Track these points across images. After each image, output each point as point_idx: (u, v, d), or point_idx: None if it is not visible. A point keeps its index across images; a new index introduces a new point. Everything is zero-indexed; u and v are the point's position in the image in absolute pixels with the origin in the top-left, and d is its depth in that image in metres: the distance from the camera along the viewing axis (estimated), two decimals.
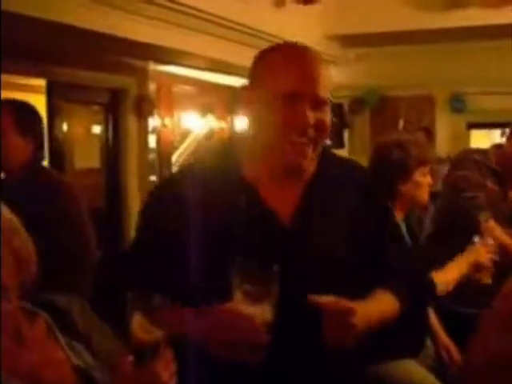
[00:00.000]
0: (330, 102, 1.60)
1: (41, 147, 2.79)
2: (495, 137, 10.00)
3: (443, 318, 2.83)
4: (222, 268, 1.44)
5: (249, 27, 4.97)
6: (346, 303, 1.49)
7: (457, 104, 8.52)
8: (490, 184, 3.13)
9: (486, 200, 3.08)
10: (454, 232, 2.78)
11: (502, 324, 1.30)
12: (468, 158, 3.19)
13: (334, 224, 1.65)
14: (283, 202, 1.62)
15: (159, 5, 4.12)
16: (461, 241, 2.87)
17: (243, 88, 1.67)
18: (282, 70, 1.55)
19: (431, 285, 1.98)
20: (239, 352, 1.42)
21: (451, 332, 2.82)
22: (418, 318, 1.89)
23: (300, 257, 1.59)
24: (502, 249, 3.05)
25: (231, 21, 4.78)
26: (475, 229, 3.04)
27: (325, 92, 1.56)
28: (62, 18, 3.59)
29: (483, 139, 9.87)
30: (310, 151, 1.58)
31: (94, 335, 1.44)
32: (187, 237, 1.56)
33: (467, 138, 8.99)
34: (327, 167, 1.69)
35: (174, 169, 7.59)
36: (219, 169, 1.65)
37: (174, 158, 7.77)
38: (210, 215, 1.57)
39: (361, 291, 1.61)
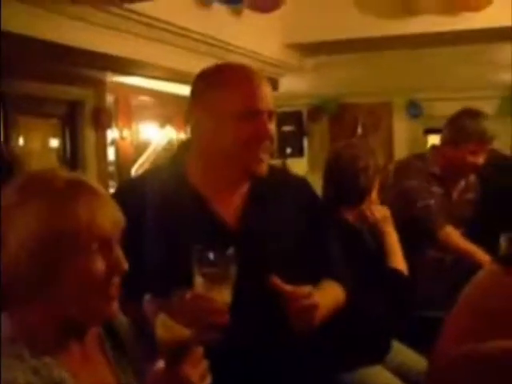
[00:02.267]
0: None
1: None
2: None
3: (412, 323, 2.83)
4: (176, 259, 1.60)
5: (208, 36, 4.94)
6: (305, 288, 1.64)
7: (414, 110, 8.64)
8: (435, 189, 3.16)
9: (436, 205, 3.11)
10: (409, 240, 2.79)
11: (467, 327, 1.31)
12: (411, 167, 3.20)
13: (275, 223, 1.79)
14: (231, 205, 1.77)
15: (117, 14, 4.06)
16: (416, 248, 2.89)
17: (191, 102, 1.80)
18: (238, 90, 1.71)
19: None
20: (200, 333, 1.45)
21: (419, 337, 2.82)
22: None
23: (247, 256, 1.64)
24: (462, 253, 3.08)
25: (190, 30, 4.75)
26: (432, 237, 3.06)
27: (272, 105, 1.75)
28: (15, 28, 3.50)
29: None
30: (267, 158, 1.77)
31: (136, 353, 1.37)
32: (140, 236, 1.69)
33: (424, 143, 9.12)
34: (268, 172, 1.82)
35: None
36: (167, 175, 1.80)
37: (133, 169, 7.68)
38: (159, 217, 1.72)
39: (307, 283, 1.72)
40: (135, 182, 1.91)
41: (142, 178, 1.94)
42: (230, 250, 1.54)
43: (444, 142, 3.19)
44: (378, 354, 2.63)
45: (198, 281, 1.52)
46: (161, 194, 1.76)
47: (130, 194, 1.79)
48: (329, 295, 1.80)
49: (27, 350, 1.14)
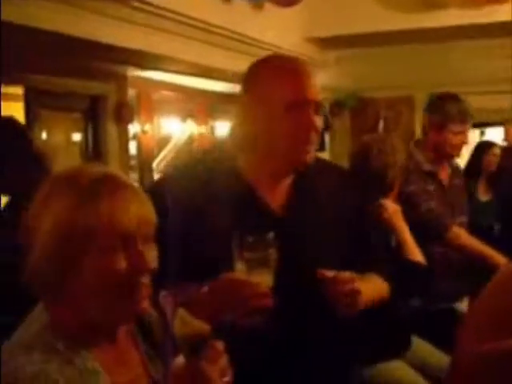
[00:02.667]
0: None
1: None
2: (474, 136, 10.10)
3: (415, 316, 2.84)
4: (223, 247, 1.57)
5: (229, 30, 4.94)
6: (346, 273, 1.67)
7: None
8: (430, 187, 3.17)
9: (438, 205, 3.12)
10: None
11: (487, 324, 1.29)
12: (409, 169, 3.20)
13: (318, 212, 1.83)
14: (276, 194, 1.81)
15: (139, 9, 4.08)
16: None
17: (242, 95, 1.81)
18: (288, 80, 1.73)
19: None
20: (244, 317, 1.52)
21: (425, 329, 2.83)
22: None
23: (292, 241, 1.72)
24: (476, 255, 3.07)
25: (211, 24, 4.75)
26: (441, 240, 3.07)
27: (319, 96, 1.76)
28: (39, 23, 3.53)
29: None
30: (312, 150, 1.77)
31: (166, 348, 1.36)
32: (190, 225, 1.70)
33: None
34: (313, 163, 1.83)
35: (156, 175, 7.54)
36: (218, 165, 1.82)
37: (154, 163, 7.72)
38: (210, 205, 1.72)
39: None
40: (185, 174, 1.86)
41: (192, 169, 1.89)
42: (270, 234, 1.54)
43: (428, 128, 3.21)
44: (398, 349, 2.63)
45: (239, 265, 1.53)
46: (212, 185, 1.77)
47: (180, 185, 1.79)
48: (372, 285, 1.83)
49: (62, 343, 1.16)
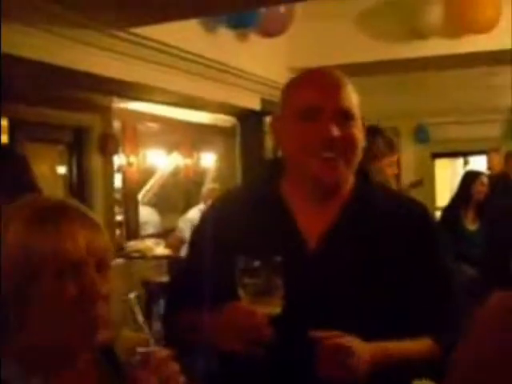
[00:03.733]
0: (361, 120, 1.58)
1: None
2: (458, 165, 10.19)
3: None
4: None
5: (213, 60, 4.96)
6: (347, 341, 1.42)
7: (421, 135, 8.65)
8: None
9: None
10: None
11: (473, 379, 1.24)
12: None
13: (363, 253, 1.56)
14: (314, 223, 1.59)
15: (124, 39, 4.08)
16: None
17: (273, 117, 1.70)
18: (301, 89, 1.58)
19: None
20: (244, 347, 1.42)
21: None
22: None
23: (319, 281, 1.54)
24: None
25: (196, 54, 4.77)
26: None
27: (349, 105, 1.54)
28: (23, 52, 3.52)
29: (447, 168, 10.03)
30: (340, 166, 1.54)
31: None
32: (225, 251, 1.55)
33: (432, 167, 9.11)
34: (367, 190, 1.64)
35: (141, 207, 7.50)
36: (259, 189, 1.69)
37: (139, 196, 7.68)
38: (247, 232, 1.58)
39: (390, 327, 1.52)
40: (230, 197, 1.80)
41: (237, 192, 1.85)
42: (276, 259, 1.42)
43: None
44: None
45: (241, 292, 1.43)
46: (252, 208, 1.63)
47: (222, 209, 1.71)
48: (387, 352, 1.51)
49: (14, 372, 1.14)
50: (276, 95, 5.46)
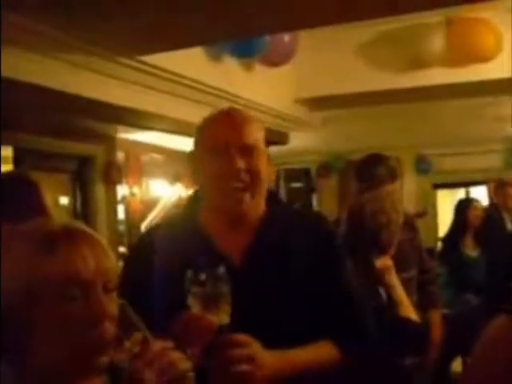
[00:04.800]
0: (262, 150, 1.77)
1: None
2: (460, 195, 10.21)
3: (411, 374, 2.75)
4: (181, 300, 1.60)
5: (219, 89, 4.99)
6: (243, 336, 1.57)
7: (422, 165, 8.68)
8: None
9: None
10: None
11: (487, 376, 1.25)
12: None
13: (281, 266, 1.75)
14: (234, 246, 1.77)
15: (129, 66, 4.11)
16: None
17: (188, 153, 1.87)
18: (210, 127, 1.77)
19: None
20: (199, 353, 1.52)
21: None
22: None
23: (248, 296, 1.67)
24: None
25: (201, 83, 4.80)
26: None
27: (253, 140, 1.75)
28: (27, 77, 3.54)
29: (448, 198, 10.05)
30: (247, 197, 1.74)
31: None
32: (152, 277, 1.76)
33: (434, 198, 9.12)
34: (275, 212, 1.83)
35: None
36: (182, 219, 1.88)
37: (142, 226, 7.66)
38: (171, 260, 1.74)
39: (306, 333, 1.70)
40: (154, 230, 1.95)
41: (161, 224, 2.01)
42: (221, 270, 1.55)
43: (358, 190, 3.21)
44: None
45: (191, 301, 1.55)
46: (174, 238, 1.80)
47: (148, 241, 1.86)
48: (283, 354, 1.66)
49: None
50: (281, 125, 5.52)
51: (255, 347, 1.57)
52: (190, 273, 1.56)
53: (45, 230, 1.19)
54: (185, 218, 1.88)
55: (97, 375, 1.22)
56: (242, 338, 1.57)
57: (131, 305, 1.72)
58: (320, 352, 1.74)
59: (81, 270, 1.16)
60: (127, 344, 1.20)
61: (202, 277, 1.54)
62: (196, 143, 1.82)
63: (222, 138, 1.73)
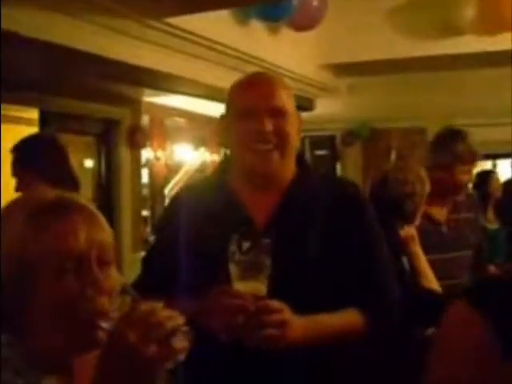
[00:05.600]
0: (294, 112, 1.82)
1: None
2: (486, 167, 10.09)
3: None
4: (209, 258, 1.69)
5: (244, 53, 4.95)
6: (275, 302, 1.60)
7: None
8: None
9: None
10: None
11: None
12: None
13: (308, 232, 1.77)
14: (261, 208, 1.81)
15: (156, 29, 4.09)
16: None
17: (219, 117, 1.91)
18: (239, 92, 1.82)
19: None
20: (227, 331, 1.57)
21: None
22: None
23: (272, 259, 1.66)
24: None
25: (227, 46, 4.76)
26: None
27: (281, 104, 1.77)
28: (54, 38, 3.52)
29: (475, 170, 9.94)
30: (275, 157, 1.78)
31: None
32: (186, 235, 1.81)
33: None
34: (305, 176, 1.86)
35: (167, 202, 7.51)
36: (215, 180, 1.93)
37: (166, 190, 7.70)
38: (200, 221, 1.80)
39: (330, 300, 1.73)
40: (185, 191, 2.00)
41: (192, 185, 2.06)
42: (265, 241, 1.58)
43: (433, 165, 3.13)
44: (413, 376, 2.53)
45: (233, 269, 1.57)
46: (204, 200, 1.85)
47: (180, 200, 1.93)
48: (312, 321, 1.70)
49: (27, 369, 1.13)
50: (307, 90, 5.47)
51: (286, 313, 1.60)
52: (234, 240, 1.59)
53: (36, 203, 1.16)
54: (215, 180, 1.92)
55: (96, 349, 1.18)
56: (276, 304, 1.59)
57: (162, 264, 1.83)
58: (347, 319, 1.76)
59: (72, 242, 1.13)
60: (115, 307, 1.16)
61: (246, 245, 1.57)
62: (227, 106, 1.85)
63: (251, 101, 1.76)
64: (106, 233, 1.19)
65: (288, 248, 1.74)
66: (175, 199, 2.00)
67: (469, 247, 3.14)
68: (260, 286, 1.57)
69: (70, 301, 1.11)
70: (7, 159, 2.86)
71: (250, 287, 1.56)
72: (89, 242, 1.14)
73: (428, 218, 3.06)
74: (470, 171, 3.13)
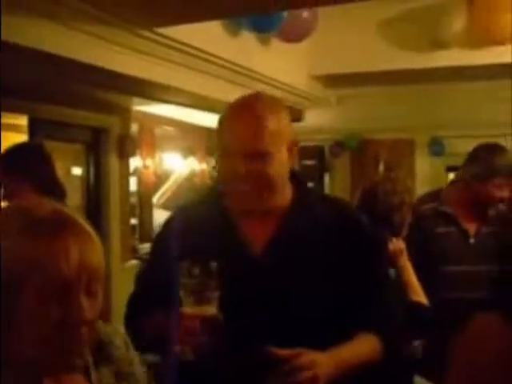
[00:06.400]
0: (283, 151, 1.74)
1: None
2: None
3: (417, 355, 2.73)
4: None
5: (235, 64, 4.96)
6: (309, 355, 1.53)
7: (436, 148, 8.62)
8: (443, 229, 3.14)
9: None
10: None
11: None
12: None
13: (306, 258, 1.71)
14: (258, 234, 1.75)
15: (145, 38, 4.08)
16: None
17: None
18: (224, 128, 1.76)
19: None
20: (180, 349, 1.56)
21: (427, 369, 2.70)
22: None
23: (268, 287, 1.68)
24: None
25: (218, 57, 4.77)
26: None
27: (263, 145, 1.69)
28: (45, 46, 3.51)
29: None
30: (259, 195, 1.73)
31: (127, 370, 1.32)
32: (176, 260, 1.71)
33: (446, 181, 9.07)
34: (303, 202, 1.80)
35: (155, 210, 7.50)
36: (208, 202, 1.86)
37: (154, 198, 7.69)
38: (197, 244, 1.73)
39: (334, 329, 1.67)
40: (180, 212, 1.95)
41: (189, 207, 1.98)
42: (212, 265, 1.57)
43: (468, 177, 3.14)
44: None
45: (182, 294, 1.59)
46: (200, 224, 1.80)
47: (175, 223, 1.89)
48: (346, 356, 1.65)
49: (14, 377, 1.12)
50: (296, 101, 5.47)
51: (318, 365, 1.54)
52: (184, 265, 1.59)
53: (33, 213, 1.12)
54: (210, 203, 1.86)
55: (72, 373, 1.18)
56: (306, 361, 1.53)
57: (152, 288, 1.80)
58: (367, 346, 1.72)
59: (62, 265, 1.08)
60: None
61: (195, 270, 1.58)
62: (216, 134, 1.80)
63: (232, 142, 1.71)
64: (98, 258, 1.14)
65: (285, 274, 1.70)
66: (170, 221, 1.93)
67: (495, 262, 3.12)
68: (208, 308, 1.57)
69: (50, 326, 1.08)
70: None
71: (198, 309, 1.57)
72: (80, 268, 1.10)
73: (459, 228, 3.09)
74: (506, 185, 3.07)
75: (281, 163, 1.73)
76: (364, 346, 1.71)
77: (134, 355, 1.36)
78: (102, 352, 1.28)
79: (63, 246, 1.09)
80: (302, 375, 1.51)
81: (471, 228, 3.14)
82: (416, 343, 2.75)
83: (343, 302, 1.71)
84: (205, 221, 1.79)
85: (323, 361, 1.55)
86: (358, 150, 8.95)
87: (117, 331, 1.36)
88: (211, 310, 1.57)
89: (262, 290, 1.68)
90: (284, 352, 1.52)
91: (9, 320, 1.09)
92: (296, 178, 1.84)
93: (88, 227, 1.16)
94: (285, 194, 1.79)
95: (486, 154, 3.12)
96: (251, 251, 1.74)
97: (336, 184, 9.20)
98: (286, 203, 1.79)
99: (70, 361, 1.12)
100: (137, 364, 1.35)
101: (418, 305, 2.55)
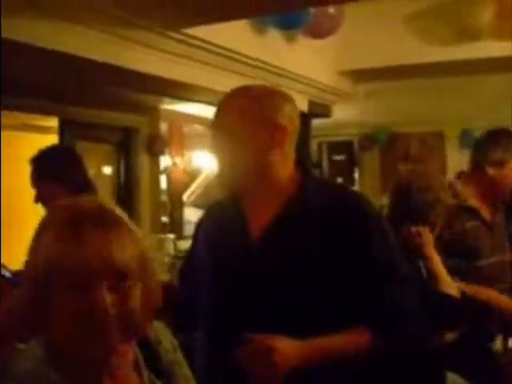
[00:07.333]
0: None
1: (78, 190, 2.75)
2: None
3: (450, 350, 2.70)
4: (213, 271, 1.85)
5: (262, 62, 4.98)
6: (270, 341, 1.57)
7: (467, 140, 8.55)
8: (468, 224, 3.09)
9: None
10: None
11: None
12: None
13: (302, 243, 1.72)
14: (259, 218, 1.79)
15: (173, 38, 4.12)
16: None
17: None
18: None
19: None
20: None
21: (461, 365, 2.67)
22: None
23: (262, 268, 1.73)
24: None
25: (245, 55, 4.79)
26: None
27: (226, 122, 1.90)
28: (73, 50, 3.57)
29: None
30: (239, 175, 1.82)
31: (176, 372, 1.34)
32: (204, 252, 1.93)
33: None
34: (306, 190, 1.79)
35: (186, 209, 7.55)
36: (231, 196, 1.91)
37: (184, 196, 7.74)
38: (215, 237, 1.90)
39: (324, 320, 1.68)
40: (208, 210, 2.07)
41: (214, 204, 2.06)
42: None
43: (487, 162, 3.09)
44: None
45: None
46: (218, 218, 1.93)
47: (201, 220, 2.04)
48: (315, 348, 1.66)
49: (59, 376, 1.15)
50: (324, 97, 5.46)
51: (276, 353, 1.57)
52: None
53: (70, 213, 1.15)
54: (232, 195, 1.92)
55: (128, 371, 1.22)
56: (262, 347, 1.58)
57: (192, 277, 1.97)
58: (348, 339, 1.70)
59: (90, 263, 1.11)
60: None
61: None
62: None
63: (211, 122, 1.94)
64: (129, 254, 1.16)
65: (279, 259, 1.73)
66: (200, 219, 2.06)
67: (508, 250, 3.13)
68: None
69: (78, 317, 1.11)
70: (26, 168, 2.91)
71: None
72: (104, 262, 1.12)
73: (481, 219, 3.04)
74: None
75: (254, 145, 1.76)
76: (345, 340, 1.69)
77: (182, 357, 1.38)
78: (150, 352, 1.31)
79: (93, 245, 1.12)
80: (257, 360, 1.57)
81: (489, 218, 3.11)
82: (448, 337, 2.73)
83: (339, 291, 1.69)
84: (224, 214, 1.89)
85: (285, 349, 1.58)
86: (387, 144, 8.93)
87: (166, 330, 1.38)
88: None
89: (254, 274, 1.73)
90: (256, 337, 1.58)
91: (48, 309, 1.13)
92: (301, 165, 1.86)
93: (127, 221, 1.19)
94: (282, 180, 1.80)
95: (498, 137, 3.09)
96: (250, 234, 1.79)
97: (365, 178, 9.19)
98: (290, 190, 1.80)
99: (94, 354, 1.14)
100: (185, 366, 1.38)
101: (447, 296, 2.52)
